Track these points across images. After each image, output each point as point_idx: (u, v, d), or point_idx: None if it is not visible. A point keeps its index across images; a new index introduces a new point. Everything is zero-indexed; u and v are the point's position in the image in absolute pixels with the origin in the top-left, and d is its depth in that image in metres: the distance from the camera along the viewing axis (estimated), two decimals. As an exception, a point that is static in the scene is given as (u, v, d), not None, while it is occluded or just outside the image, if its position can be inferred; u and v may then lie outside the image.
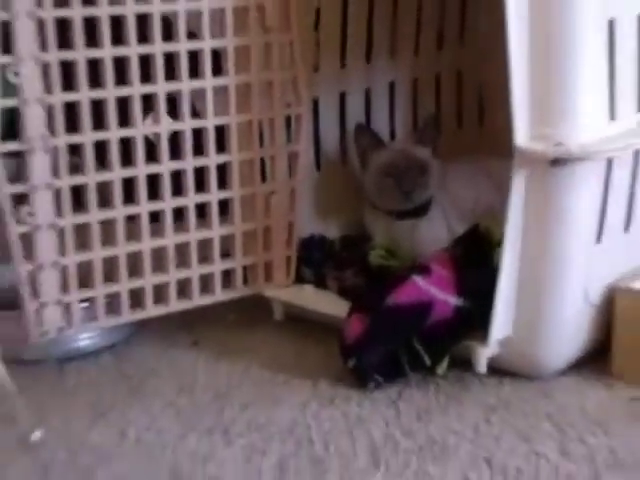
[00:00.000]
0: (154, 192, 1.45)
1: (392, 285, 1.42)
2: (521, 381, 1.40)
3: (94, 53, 1.36)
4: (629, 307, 1.40)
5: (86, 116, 1.37)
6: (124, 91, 1.40)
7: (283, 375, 1.43)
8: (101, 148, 1.40)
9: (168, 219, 1.46)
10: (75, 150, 1.38)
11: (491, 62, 1.82)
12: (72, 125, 1.37)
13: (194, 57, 1.45)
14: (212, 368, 1.46)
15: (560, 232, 1.35)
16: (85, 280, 1.42)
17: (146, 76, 1.41)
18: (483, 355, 1.38)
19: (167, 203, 1.46)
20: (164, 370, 1.46)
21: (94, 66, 1.37)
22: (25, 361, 1.44)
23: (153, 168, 1.44)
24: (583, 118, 1.33)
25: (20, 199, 1.35)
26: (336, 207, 1.75)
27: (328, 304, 1.52)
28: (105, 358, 1.50)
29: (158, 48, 1.41)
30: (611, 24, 1.33)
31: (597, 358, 1.43)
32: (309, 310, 1.54)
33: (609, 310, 1.41)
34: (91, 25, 1.36)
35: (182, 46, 1.43)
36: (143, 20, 1.40)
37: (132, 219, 1.44)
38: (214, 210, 1.50)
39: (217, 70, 1.47)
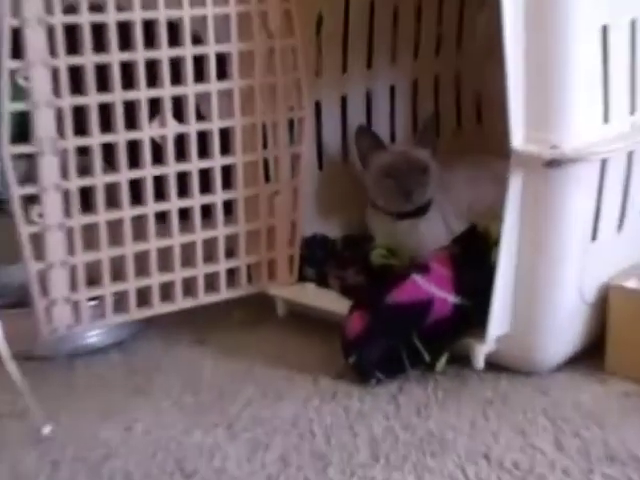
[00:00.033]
0: (160, 193, 1.45)
1: (392, 283, 1.43)
2: (518, 377, 1.40)
3: (102, 58, 1.36)
4: (623, 305, 1.40)
5: (94, 119, 1.37)
6: (131, 95, 1.40)
7: (286, 371, 1.43)
8: (109, 150, 1.40)
9: (174, 219, 1.47)
10: (84, 152, 1.39)
11: (488, 65, 1.83)
12: (81, 128, 1.37)
13: (199, 62, 1.45)
14: (217, 364, 1.47)
15: (555, 232, 1.35)
16: (93, 279, 1.42)
17: (152, 80, 1.41)
18: (481, 352, 1.38)
19: (173, 204, 1.46)
20: (170, 366, 1.47)
21: (102, 71, 1.37)
22: (35, 357, 1.44)
23: (159, 170, 1.44)
24: (577, 121, 1.33)
25: (30, 200, 1.35)
26: (338, 207, 1.75)
27: (330, 302, 1.52)
28: (113, 354, 1.50)
29: (164, 53, 1.41)
30: (604, 30, 1.33)
31: (591, 354, 1.43)
32: (311, 308, 1.54)
33: (603, 308, 1.41)
34: (99, 31, 1.36)
35: (187, 51, 1.43)
36: (149, 26, 1.40)
37: (139, 219, 1.44)
38: (219, 210, 1.50)
39: (222, 74, 1.47)
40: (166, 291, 1.48)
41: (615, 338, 1.41)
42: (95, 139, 1.38)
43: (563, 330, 1.40)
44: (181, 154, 1.46)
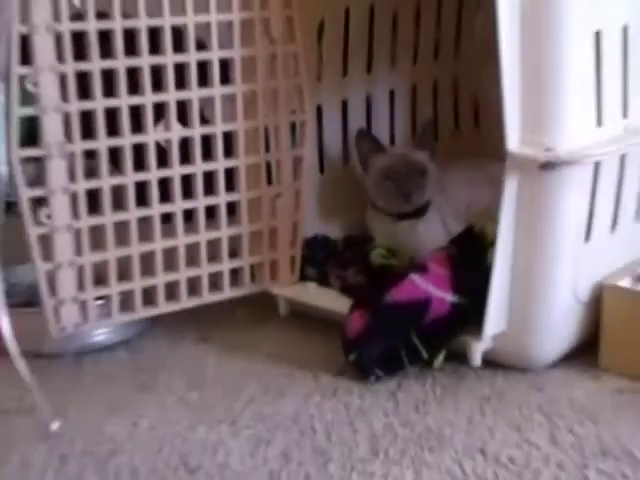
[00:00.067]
0: (165, 195, 1.45)
1: (391, 283, 1.43)
2: (514, 374, 1.40)
3: (108, 64, 1.36)
4: (616, 304, 1.40)
5: (101, 123, 1.37)
6: (137, 100, 1.40)
7: (288, 368, 1.43)
8: (115, 154, 1.40)
9: (179, 220, 1.47)
10: (90, 156, 1.39)
11: (486, 70, 1.83)
12: (88, 132, 1.37)
13: (203, 67, 1.45)
14: (220, 362, 1.47)
15: (550, 232, 1.35)
16: (100, 278, 1.42)
17: (157, 85, 1.41)
18: (478, 349, 1.38)
19: (178, 205, 1.46)
20: (175, 364, 1.47)
21: (108, 76, 1.37)
22: (44, 355, 1.44)
23: (164, 172, 1.44)
24: (571, 124, 1.33)
25: (39, 202, 1.36)
26: (339, 208, 1.75)
27: (331, 301, 1.52)
28: (120, 352, 1.50)
29: (169, 59, 1.41)
30: (597, 36, 1.33)
31: (585, 352, 1.43)
32: (313, 307, 1.54)
33: (597, 306, 1.41)
34: (105, 38, 1.36)
35: (192, 57, 1.43)
36: (155, 32, 1.40)
37: (145, 221, 1.44)
38: (222, 212, 1.50)
39: (225, 79, 1.47)
40: (171, 290, 1.48)
41: (608, 336, 1.41)
42: (102, 143, 1.38)
43: (558, 328, 1.40)
44: (185, 157, 1.46)
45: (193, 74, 1.43)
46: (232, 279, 1.53)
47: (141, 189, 1.43)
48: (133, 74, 1.39)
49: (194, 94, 1.44)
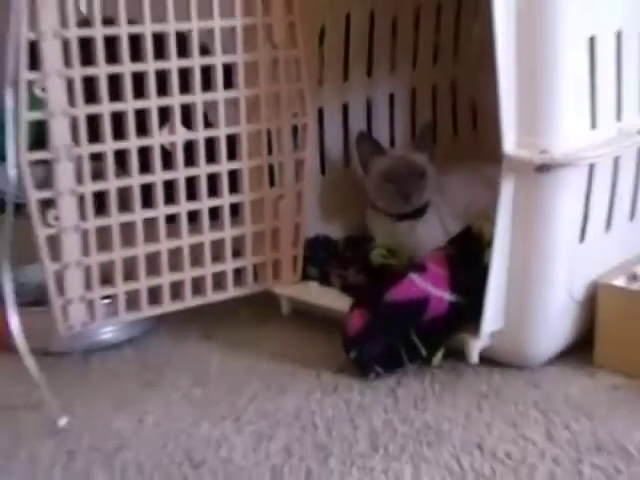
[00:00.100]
0: (170, 197, 1.45)
1: (391, 282, 1.42)
2: (510, 371, 1.40)
3: (114, 69, 1.36)
4: (610, 303, 1.40)
5: (107, 127, 1.37)
6: (142, 104, 1.40)
7: (290, 366, 1.43)
8: (121, 156, 1.40)
9: (183, 221, 1.47)
10: (97, 158, 1.39)
11: (483, 74, 1.82)
12: (94, 135, 1.37)
13: (207, 72, 1.45)
14: (224, 360, 1.46)
15: (545, 233, 1.35)
16: (107, 278, 1.42)
17: (162, 89, 1.41)
18: (475, 347, 1.38)
19: (182, 207, 1.46)
20: (179, 361, 1.46)
21: (114, 81, 1.37)
22: (52, 353, 1.44)
23: (169, 174, 1.44)
24: (566, 127, 1.33)
25: (47, 204, 1.36)
26: (340, 209, 1.75)
27: (332, 300, 1.52)
28: (126, 350, 1.50)
29: (173, 64, 1.41)
30: (591, 41, 1.33)
31: (581, 349, 1.43)
32: (314, 305, 1.54)
33: (592, 305, 1.41)
34: (112, 43, 1.36)
35: (196, 62, 1.43)
36: (159, 38, 1.40)
37: (150, 222, 1.44)
38: (226, 213, 1.50)
39: (228, 83, 1.47)
40: (176, 290, 1.48)
41: (603, 334, 1.40)
42: (108, 146, 1.38)
43: (553, 326, 1.40)
44: (190, 159, 1.46)
45: (197, 79, 1.43)
46: (235, 279, 1.53)
47: (146, 191, 1.43)
48: (138, 79, 1.39)
49: (198, 98, 1.44)
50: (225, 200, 1.50)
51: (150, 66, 1.39)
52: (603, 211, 1.43)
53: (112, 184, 1.40)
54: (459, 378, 1.39)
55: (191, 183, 1.46)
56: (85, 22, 1.35)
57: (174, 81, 1.41)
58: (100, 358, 1.47)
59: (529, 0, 1.29)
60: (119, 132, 1.39)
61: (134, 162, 1.40)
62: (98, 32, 1.35)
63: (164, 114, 1.42)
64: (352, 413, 1.31)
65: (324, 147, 1.75)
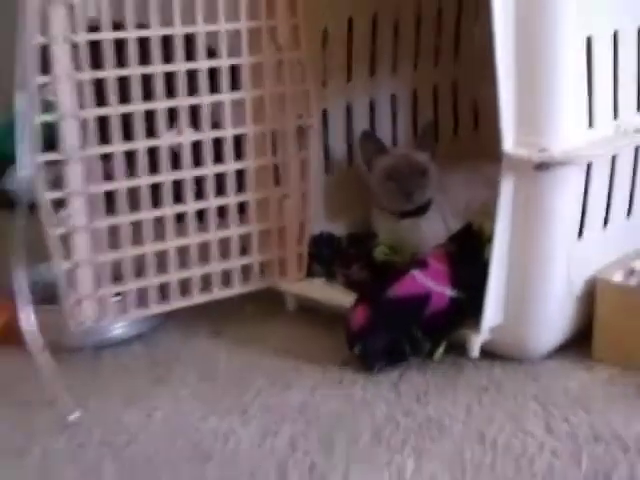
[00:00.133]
0: (178, 196, 1.45)
1: (393, 278, 1.42)
2: (510, 365, 1.40)
3: (123, 72, 1.36)
4: (608, 297, 1.39)
5: (116, 129, 1.37)
6: (150, 106, 1.39)
7: (295, 361, 1.43)
8: (130, 157, 1.40)
9: (191, 220, 1.46)
10: (107, 159, 1.39)
11: (484, 75, 1.81)
12: (104, 137, 1.37)
13: (213, 74, 1.44)
14: (231, 355, 1.46)
15: (544, 229, 1.34)
16: (117, 276, 1.42)
17: (170, 92, 1.41)
18: (476, 341, 1.38)
19: (190, 206, 1.46)
20: (188, 357, 1.46)
21: (123, 83, 1.37)
22: (64, 349, 1.43)
23: (177, 175, 1.44)
24: (564, 126, 1.32)
25: (58, 204, 1.35)
26: (344, 208, 1.74)
27: (336, 296, 1.51)
28: (136, 346, 1.50)
29: (181, 66, 1.40)
30: (589, 41, 1.33)
31: (579, 343, 1.42)
32: (319, 302, 1.53)
33: (590, 300, 1.40)
34: (120, 47, 1.36)
35: (202, 64, 1.42)
36: (167, 41, 1.40)
37: (159, 221, 1.44)
38: (232, 212, 1.50)
39: (234, 85, 1.47)
40: (184, 286, 1.48)
41: (601, 328, 1.40)
42: (117, 147, 1.38)
43: (552, 321, 1.39)
44: (197, 160, 1.45)
45: (204, 81, 1.43)
46: (242, 276, 1.53)
47: (155, 191, 1.43)
48: (147, 81, 1.38)
49: (205, 100, 1.44)
50: (232, 199, 1.49)
51: (158, 69, 1.38)
52: (601, 208, 1.42)
53: (122, 184, 1.39)
54: (460, 372, 1.39)
55: (199, 183, 1.46)
56: (94, 27, 1.34)
57: (181, 83, 1.41)
58: (111, 354, 1.47)
59: (528, 2, 1.28)
60: (128, 134, 1.38)
61: (143, 163, 1.40)
62: (107, 36, 1.34)
63: (172, 116, 1.42)
64: (356, 407, 1.31)
65: (328, 147, 1.75)
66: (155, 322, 1.52)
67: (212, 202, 1.47)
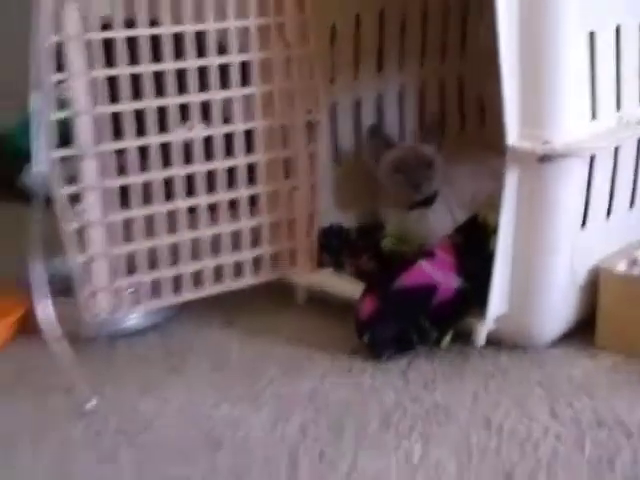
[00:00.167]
0: (191, 189, 1.45)
1: (401, 269, 1.43)
2: (516, 352, 1.40)
3: (136, 69, 1.37)
4: (611, 286, 1.39)
5: (129, 125, 1.38)
6: (162, 102, 1.40)
7: (305, 350, 1.44)
8: (143, 152, 1.41)
9: (203, 213, 1.47)
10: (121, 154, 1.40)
11: (490, 70, 1.81)
12: (117, 133, 1.38)
13: (224, 70, 1.45)
14: (243, 345, 1.47)
15: (548, 220, 1.35)
16: (131, 268, 1.43)
17: (182, 88, 1.42)
18: (482, 330, 1.38)
19: (202, 199, 1.46)
20: (201, 347, 1.47)
21: (136, 80, 1.38)
22: (81, 339, 1.44)
23: (189, 169, 1.44)
24: (567, 119, 1.33)
25: (74, 198, 1.36)
26: (352, 200, 1.75)
27: (345, 286, 1.52)
28: (150, 336, 1.50)
29: (192, 63, 1.41)
30: (591, 36, 1.33)
31: (583, 331, 1.43)
32: (329, 292, 1.54)
33: (594, 289, 1.41)
34: (133, 44, 1.37)
35: (213, 61, 1.43)
36: (178, 39, 1.40)
37: (172, 214, 1.45)
38: (243, 204, 1.50)
39: (244, 81, 1.47)
40: (197, 278, 1.48)
41: (604, 316, 1.40)
42: (131, 142, 1.39)
43: (557, 310, 1.40)
44: (209, 154, 1.46)
45: (214, 77, 1.43)
46: (253, 267, 1.53)
47: (168, 184, 1.43)
48: (159, 78, 1.39)
49: (216, 95, 1.44)
50: (242, 192, 1.50)
51: (170, 66, 1.39)
52: (604, 199, 1.42)
53: (135, 179, 1.40)
54: (467, 360, 1.39)
55: (210, 176, 1.46)
56: (107, 25, 1.35)
57: (193, 79, 1.41)
58: (126, 344, 1.48)
59: (531, -2, 1.29)
60: (141, 129, 1.39)
61: (155, 157, 1.41)
62: (120, 34, 1.35)
63: (184, 111, 1.42)
64: (365, 394, 1.31)
65: (337, 140, 1.75)
66: (169, 313, 1.53)
67: (223, 195, 1.48)
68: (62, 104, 1.33)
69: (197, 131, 1.44)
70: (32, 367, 1.40)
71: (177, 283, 1.47)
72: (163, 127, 1.41)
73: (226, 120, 1.47)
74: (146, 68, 1.37)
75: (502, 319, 1.39)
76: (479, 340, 1.39)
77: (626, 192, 1.47)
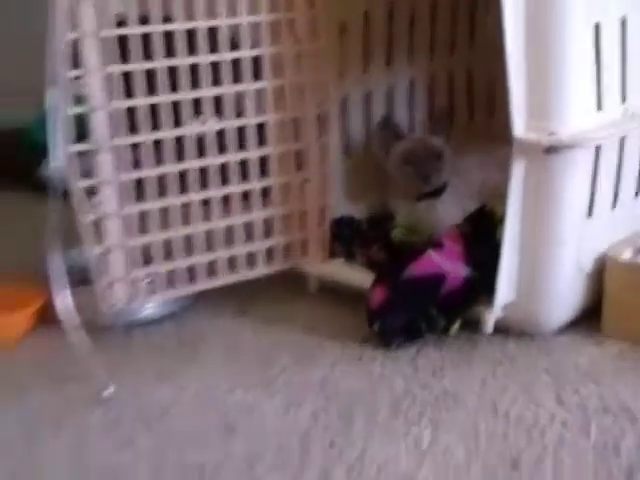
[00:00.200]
0: (204, 182, 1.46)
1: (410, 258, 1.43)
2: (523, 340, 1.40)
3: (150, 65, 1.38)
4: (618, 274, 1.39)
5: (144, 119, 1.39)
6: (176, 96, 1.41)
7: (317, 339, 1.44)
8: (158, 146, 1.41)
9: (217, 205, 1.48)
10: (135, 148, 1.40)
11: (498, 62, 1.81)
12: (132, 127, 1.39)
13: (236, 65, 1.46)
14: (256, 333, 1.48)
15: (555, 211, 1.35)
16: (147, 259, 1.44)
17: (195, 83, 1.42)
18: (490, 318, 1.39)
19: (215, 191, 1.47)
20: (216, 335, 1.48)
21: (150, 76, 1.38)
22: (98, 328, 1.45)
23: (203, 162, 1.45)
24: (573, 110, 1.32)
25: (90, 191, 1.37)
26: (363, 191, 1.75)
27: (356, 276, 1.52)
28: (166, 325, 1.51)
29: (204, 58, 1.42)
30: (597, 28, 1.33)
31: (589, 319, 1.43)
32: (340, 282, 1.54)
33: (600, 277, 1.41)
34: (147, 40, 1.37)
35: (225, 56, 1.44)
36: (191, 35, 1.41)
37: (186, 206, 1.46)
38: (256, 196, 1.51)
39: (256, 75, 1.48)
40: (211, 268, 1.49)
41: (611, 304, 1.40)
42: (145, 137, 1.39)
43: (563, 298, 1.40)
44: (222, 147, 1.47)
45: (226, 71, 1.44)
46: (266, 257, 1.54)
47: (182, 177, 1.44)
48: (172, 73, 1.40)
49: (228, 89, 1.44)
50: (255, 184, 1.50)
51: (183, 61, 1.40)
52: (610, 189, 1.42)
53: (150, 172, 1.41)
54: (475, 347, 1.40)
55: (223, 169, 1.47)
56: (122, 22, 1.36)
57: (205, 74, 1.42)
58: (142, 333, 1.49)
59: (537, -10, 1.28)
60: (155, 123, 1.40)
61: (170, 151, 1.42)
62: (134, 31, 1.36)
63: (197, 105, 1.43)
64: (375, 381, 1.32)
65: (348, 133, 1.75)
66: (184, 302, 1.54)
67: (236, 187, 1.49)
68: (78, 100, 1.34)
69: (210, 125, 1.44)
70: (51, 356, 1.41)
71: (192, 273, 1.48)
72: (177, 121, 1.42)
73: (238, 114, 1.48)
74: (160, 64, 1.38)
75: (509, 307, 1.39)
76: (487, 328, 1.39)
77: (631, 182, 1.47)
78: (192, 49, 1.41)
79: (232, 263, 1.51)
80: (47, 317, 1.43)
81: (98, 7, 1.32)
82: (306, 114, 1.54)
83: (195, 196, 1.45)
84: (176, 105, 1.41)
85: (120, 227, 1.40)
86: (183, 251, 1.46)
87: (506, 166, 1.35)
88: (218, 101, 1.45)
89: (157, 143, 1.41)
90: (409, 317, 1.40)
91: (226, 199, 1.49)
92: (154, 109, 1.39)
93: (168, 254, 1.46)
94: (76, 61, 1.32)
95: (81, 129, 1.35)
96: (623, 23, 1.38)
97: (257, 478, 1.13)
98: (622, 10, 1.38)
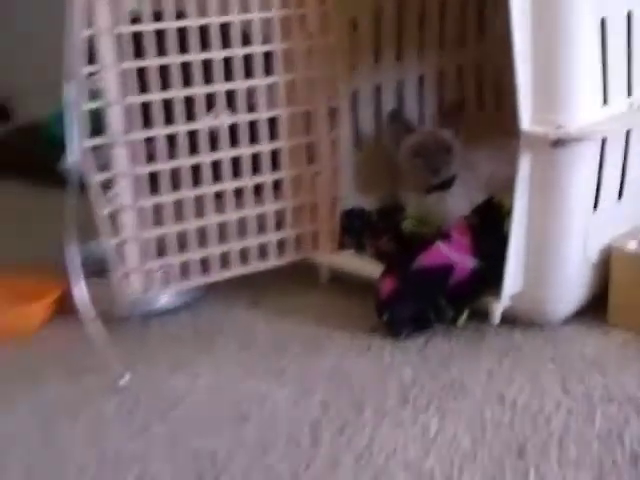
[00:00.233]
0: (217, 175, 1.47)
1: (419, 250, 1.44)
2: (530, 330, 1.40)
3: (164, 60, 1.38)
4: (623, 265, 1.39)
5: (158, 114, 1.39)
6: (189, 91, 1.41)
7: (327, 329, 1.45)
8: (172, 140, 1.42)
9: (229, 197, 1.48)
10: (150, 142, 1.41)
11: (507, 56, 1.80)
12: (147, 122, 1.39)
13: (248, 60, 1.46)
14: (268, 324, 1.48)
15: (561, 202, 1.35)
16: (162, 251, 1.45)
17: (208, 78, 1.43)
18: (497, 308, 1.39)
19: (228, 184, 1.48)
20: (229, 326, 1.48)
21: (164, 71, 1.39)
22: (114, 318, 1.45)
23: (216, 155, 1.46)
24: (580, 104, 1.32)
25: (106, 185, 1.38)
26: (373, 183, 1.75)
27: (366, 267, 1.53)
28: (181, 315, 1.52)
29: (217, 54, 1.42)
30: (603, 22, 1.32)
31: (595, 309, 1.43)
32: (350, 272, 1.55)
33: (606, 267, 1.41)
34: (161, 37, 1.38)
35: (237, 51, 1.44)
36: (204, 30, 1.41)
37: (199, 198, 1.46)
38: (268, 189, 1.52)
39: (268, 70, 1.48)
40: (224, 260, 1.50)
41: (616, 294, 1.40)
42: (160, 131, 1.40)
43: (570, 288, 1.40)
44: (234, 141, 1.47)
45: (239, 66, 1.44)
46: (278, 249, 1.54)
47: (195, 170, 1.45)
48: (186, 68, 1.40)
49: (240, 84, 1.45)
50: (267, 177, 1.51)
51: (196, 57, 1.40)
52: (615, 181, 1.42)
53: (164, 165, 1.41)
54: (482, 338, 1.40)
55: (236, 162, 1.47)
56: (136, 19, 1.36)
57: (218, 69, 1.42)
58: (157, 323, 1.49)
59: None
60: (169, 118, 1.40)
61: (183, 145, 1.42)
62: (148, 27, 1.36)
63: (210, 100, 1.43)
64: (384, 371, 1.32)
65: (359, 126, 1.75)
66: (198, 293, 1.54)
67: (248, 180, 1.49)
68: (94, 95, 1.35)
69: (223, 119, 1.45)
70: (68, 346, 1.42)
71: (205, 265, 1.48)
72: (190, 116, 1.42)
73: (251, 108, 1.48)
74: (174, 59, 1.39)
75: (517, 297, 1.39)
76: (494, 318, 1.39)
77: (637, 174, 1.46)
78: (205, 45, 1.41)
79: (244, 255, 1.52)
80: (64, 308, 1.45)
81: (113, 4, 1.33)
82: (317, 108, 1.54)
83: (208, 189, 1.46)
84: (189, 100, 1.42)
85: (135, 219, 1.41)
86: (197, 243, 1.47)
87: (514, 159, 1.34)
88: (230, 96, 1.45)
89: (171, 137, 1.42)
90: (418, 307, 1.40)
91: (238, 192, 1.49)
92: (168, 104, 1.40)
93: (182, 246, 1.46)
94: (92, 57, 1.33)
95: (97, 124, 1.36)
96: (629, 18, 1.37)
97: (268, 465, 1.14)
98: (628, 5, 1.37)
